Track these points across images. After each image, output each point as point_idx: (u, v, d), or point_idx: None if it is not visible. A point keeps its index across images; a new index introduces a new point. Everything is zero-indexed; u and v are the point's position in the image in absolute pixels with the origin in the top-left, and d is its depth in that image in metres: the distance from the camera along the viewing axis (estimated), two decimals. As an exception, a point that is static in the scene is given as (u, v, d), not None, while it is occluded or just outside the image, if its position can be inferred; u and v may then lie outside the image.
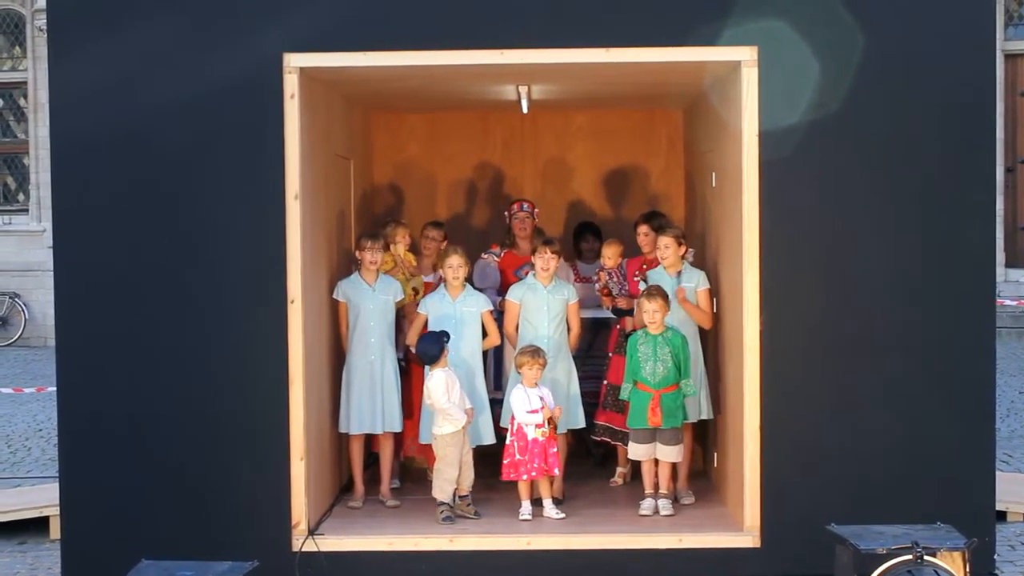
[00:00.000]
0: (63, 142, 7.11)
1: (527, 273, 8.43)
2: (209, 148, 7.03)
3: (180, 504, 7.09)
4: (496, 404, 8.26)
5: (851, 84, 6.94)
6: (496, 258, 9.20)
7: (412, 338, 8.13)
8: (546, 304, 8.07)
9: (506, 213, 9.32)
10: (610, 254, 8.63)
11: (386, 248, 8.39)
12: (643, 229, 8.54)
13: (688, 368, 7.76)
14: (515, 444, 7.72)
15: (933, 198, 7.02)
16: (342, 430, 8.02)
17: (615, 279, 8.54)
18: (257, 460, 7.08)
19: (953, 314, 7.04)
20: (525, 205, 9.21)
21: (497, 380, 8.74)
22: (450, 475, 7.64)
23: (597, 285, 8.62)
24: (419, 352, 7.85)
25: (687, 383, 7.75)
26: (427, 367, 7.78)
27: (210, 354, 7.06)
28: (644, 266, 8.47)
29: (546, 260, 8.08)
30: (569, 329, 8.15)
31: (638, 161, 10.48)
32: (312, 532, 7.23)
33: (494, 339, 8.19)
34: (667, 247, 8.05)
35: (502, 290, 8.84)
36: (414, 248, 8.91)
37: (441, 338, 7.74)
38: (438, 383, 7.65)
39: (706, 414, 8.08)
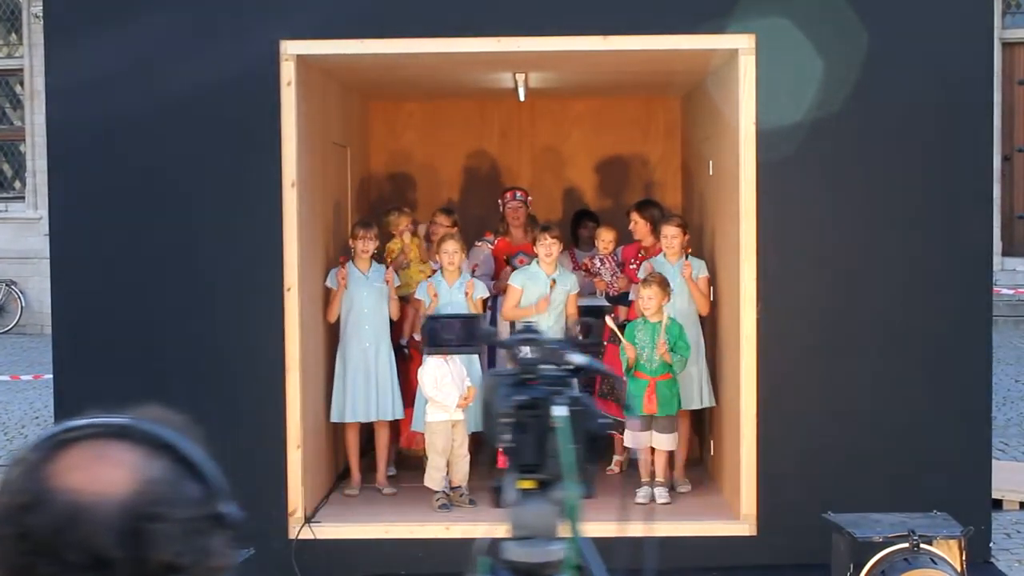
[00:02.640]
0: (60, 132, 7.11)
1: (521, 262, 8.42)
2: (206, 136, 7.02)
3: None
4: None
5: (849, 73, 6.93)
6: (490, 245, 9.20)
7: (407, 328, 8.12)
8: (547, 292, 8.07)
9: (500, 201, 9.31)
10: (606, 239, 8.63)
11: (389, 236, 8.39)
12: (634, 216, 8.55)
13: (685, 353, 7.74)
14: (511, 432, 7.71)
15: (930, 186, 7.02)
16: (334, 419, 8.00)
17: (607, 265, 8.53)
18: (254, 448, 7.08)
19: (950, 303, 7.05)
20: (518, 194, 9.21)
21: (494, 367, 8.74)
22: (438, 463, 7.65)
23: (581, 272, 8.58)
24: (423, 328, 7.86)
25: (675, 357, 7.68)
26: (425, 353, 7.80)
27: (206, 342, 7.06)
28: (641, 253, 8.47)
29: (547, 246, 8.07)
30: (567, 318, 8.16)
31: (635, 149, 10.47)
32: (309, 520, 7.23)
33: None
34: (674, 237, 8.05)
35: (496, 277, 8.86)
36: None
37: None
38: (427, 371, 7.67)
39: (708, 402, 8.07)
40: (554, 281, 8.00)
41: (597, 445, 3.06)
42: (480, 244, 9.22)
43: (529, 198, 9.25)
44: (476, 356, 8.15)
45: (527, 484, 2.95)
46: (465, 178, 10.59)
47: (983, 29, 7.06)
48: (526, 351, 2.95)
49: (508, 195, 9.24)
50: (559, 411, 2.84)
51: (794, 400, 7.05)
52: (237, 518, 1.44)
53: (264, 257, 7.03)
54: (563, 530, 2.94)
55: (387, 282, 8.02)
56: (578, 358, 3.03)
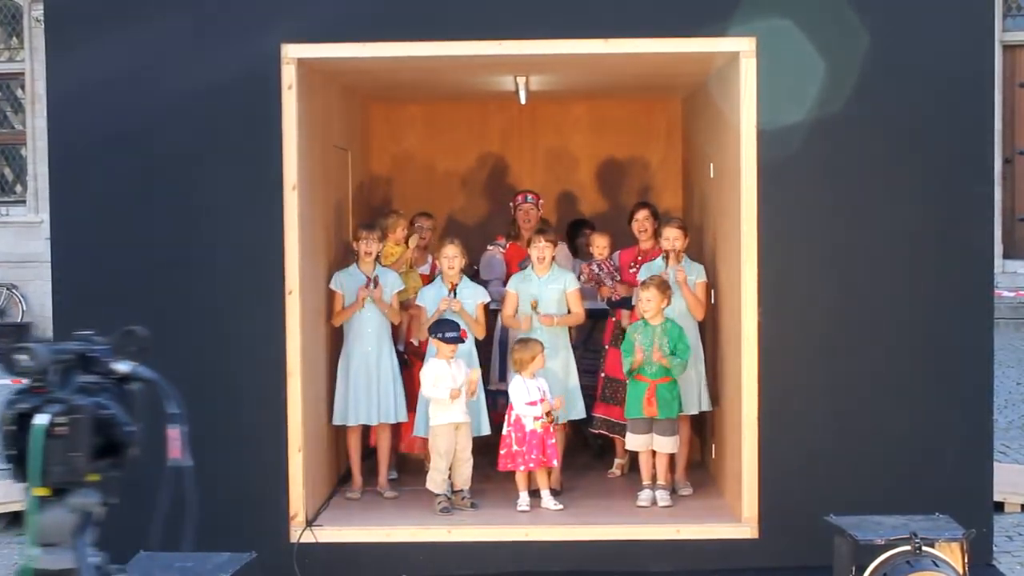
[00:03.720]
0: (61, 136, 7.10)
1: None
2: (207, 139, 7.02)
3: (177, 496, 7.06)
4: (503, 395, 8.25)
5: (850, 75, 6.93)
6: (502, 250, 9.17)
7: (422, 331, 8.12)
8: (540, 295, 8.05)
9: (511, 204, 9.28)
10: (600, 245, 8.60)
11: (384, 238, 8.37)
12: (643, 214, 8.50)
13: (684, 356, 7.72)
14: (512, 435, 7.72)
15: (932, 189, 7.01)
16: (336, 422, 8.00)
17: (605, 271, 8.52)
18: (255, 452, 7.08)
19: (951, 305, 7.04)
20: (529, 196, 9.17)
21: (503, 371, 8.73)
22: (440, 466, 7.65)
23: (582, 278, 8.56)
24: (431, 326, 7.84)
25: (674, 360, 7.66)
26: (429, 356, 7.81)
27: (207, 346, 7.05)
28: (640, 257, 8.45)
29: (540, 249, 8.06)
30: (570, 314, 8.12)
31: (636, 151, 10.47)
32: (310, 523, 7.23)
33: (479, 331, 8.14)
34: (677, 240, 8.03)
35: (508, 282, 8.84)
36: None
37: (455, 326, 7.73)
38: (427, 371, 7.69)
39: (706, 405, 8.06)
40: (536, 302, 7.99)
41: (120, 452, 3.05)
42: (492, 248, 9.19)
43: (540, 201, 9.22)
44: (476, 359, 8.15)
45: (42, 492, 2.95)
46: (466, 181, 10.59)
47: (984, 31, 7.05)
48: (23, 360, 2.95)
49: (519, 198, 9.19)
50: (40, 419, 2.85)
51: (796, 402, 7.04)
52: None
53: (265, 260, 7.02)
54: (81, 536, 2.94)
55: (380, 288, 7.99)
56: (123, 366, 3.03)
